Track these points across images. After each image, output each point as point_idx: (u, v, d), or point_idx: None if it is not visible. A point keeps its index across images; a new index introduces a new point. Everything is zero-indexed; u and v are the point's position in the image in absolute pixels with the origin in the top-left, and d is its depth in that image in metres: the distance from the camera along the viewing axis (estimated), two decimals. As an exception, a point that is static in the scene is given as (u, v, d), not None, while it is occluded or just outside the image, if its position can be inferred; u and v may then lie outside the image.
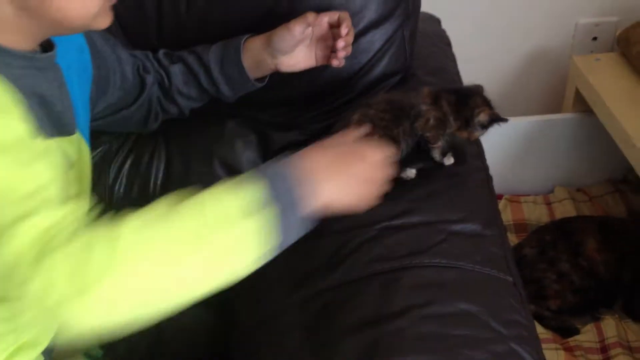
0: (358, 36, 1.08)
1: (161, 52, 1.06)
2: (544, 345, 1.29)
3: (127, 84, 0.99)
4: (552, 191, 1.70)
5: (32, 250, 0.55)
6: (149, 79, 1.02)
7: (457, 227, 0.90)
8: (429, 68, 1.21)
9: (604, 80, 1.49)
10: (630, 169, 1.35)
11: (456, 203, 0.95)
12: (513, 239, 1.57)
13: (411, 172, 0.99)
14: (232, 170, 1.16)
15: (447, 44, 1.37)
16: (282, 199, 0.64)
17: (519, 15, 1.69)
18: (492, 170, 1.04)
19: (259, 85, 1.04)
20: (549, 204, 1.67)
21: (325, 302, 0.83)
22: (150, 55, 1.05)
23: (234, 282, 0.64)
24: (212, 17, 1.06)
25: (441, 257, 0.86)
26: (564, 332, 1.36)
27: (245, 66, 1.00)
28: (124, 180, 1.14)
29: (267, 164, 0.70)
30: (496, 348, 0.75)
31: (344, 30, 0.96)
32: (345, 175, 0.71)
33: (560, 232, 1.45)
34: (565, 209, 1.62)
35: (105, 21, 0.72)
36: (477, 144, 1.07)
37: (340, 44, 0.96)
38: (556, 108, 1.77)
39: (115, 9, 1.05)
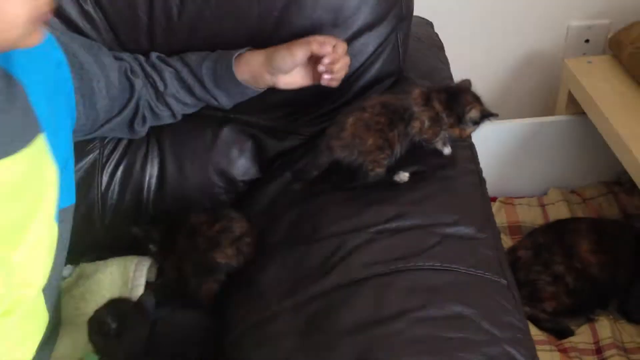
0: (352, 39, 1.08)
1: (154, 55, 1.05)
2: (539, 347, 1.30)
3: (113, 90, 0.99)
4: (546, 193, 1.70)
5: None
6: (138, 82, 1.02)
7: (451, 230, 0.90)
8: (422, 71, 1.21)
9: (597, 82, 1.50)
10: (623, 170, 1.35)
11: (450, 206, 0.95)
12: (508, 241, 1.58)
13: (404, 176, 0.99)
14: (227, 177, 1.16)
15: (440, 47, 1.37)
16: None
17: (511, 19, 1.70)
18: (486, 173, 1.04)
19: (259, 91, 1.04)
20: (543, 206, 1.67)
21: (319, 307, 0.83)
22: (142, 58, 1.05)
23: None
24: (203, 23, 1.06)
25: (435, 260, 0.86)
26: (559, 333, 1.37)
27: (241, 80, 1.01)
28: (116, 187, 1.14)
29: None
30: (490, 350, 0.75)
31: (333, 49, 0.97)
32: None
33: (554, 234, 1.45)
34: (559, 211, 1.62)
35: (33, 40, 0.71)
36: (470, 147, 1.07)
37: (325, 60, 0.97)
38: (549, 110, 1.77)
39: (106, 11, 1.05)
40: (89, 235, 1.15)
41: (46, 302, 0.88)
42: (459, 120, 0.99)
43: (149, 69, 1.04)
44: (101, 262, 1.10)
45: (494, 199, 1.68)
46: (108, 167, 1.14)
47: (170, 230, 1.08)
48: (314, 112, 1.16)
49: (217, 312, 0.99)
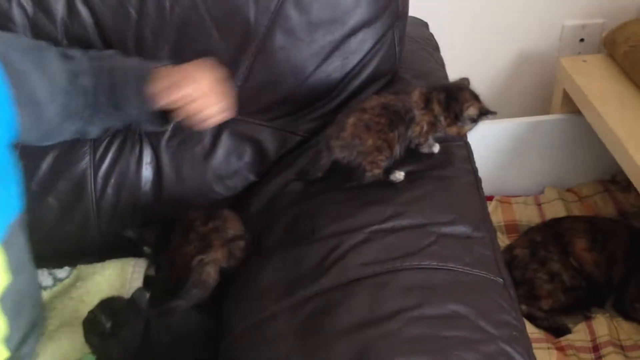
0: (349, 35, 1.09)
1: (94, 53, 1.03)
2: (536, 345, 1.30)
3: (61, 95, 0.96)
4: (542, 192, 1.71)
5: None
6: (90, 81, 0.98)
7: (447, 229, 0.91)
8: (417, 72, 1.22)
9: (591, 81, 1.50)
10: (619, 169, 1.36)
11: (446, 205, 0.95)
12: (504, 240, 1.58)
13: (400, 175, 1.00)
14: (226, 183, 1.17)
15: (435, 47, 1.38)
16: None
17: (506, 19, 1.70)
18: (483, 172, 1.04)
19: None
20: (539, 204, 1.68)
21: (315, 307, 0.84)
22: (89, 54, 1.02)
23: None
24: (196, 18, 1.06)
25: (431, 259, 0.86)
26: (556, 331, 1.37)
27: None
28: (111, 192, 1.14)
29: None
30: (487, 349, 0.76)
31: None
32: None
33: (550, 232, 1.46)
34: (555, 210, 1.63)
35: None
36: (466, 147, 1.08)
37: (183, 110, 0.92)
38: (544, 109, 1.78)
39: (94, 7, 1.05)
40: (86, 240, 1.15)
41: (4, 311, 0.87)
42: (457, 118, 1.00)
43: (95, 66, 1.00)
44: (99, 265, 1.11)
45: (490, 198, 1.68)
46: (101, 172, 1.14)
47: (165, 230, 1.08)
48: (312, 111, 1.16)
49: (216, 311, 0.99)
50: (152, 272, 1.11)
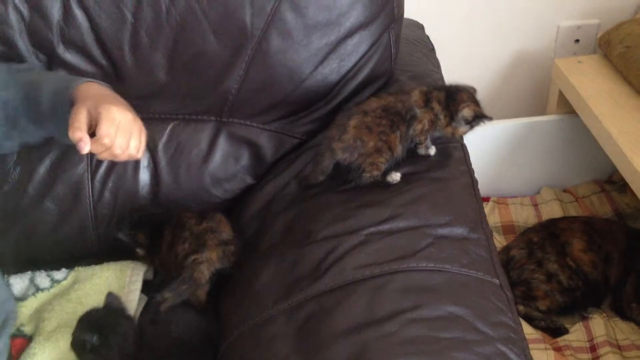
0: (345, 37, 1.09)
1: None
2: (533, 346, 1.30)
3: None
4: (538, 192, 1.71)
5: None
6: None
7: (444, 231, 0.91)
8: (413, 73, 1.22)
9: (587, 82, 1.50)
10: (615, 169, 1.36)
11: (442, 207, 0.95)
12: (501, 241, 1.58)
13: (396, 176, 1.00)
14: (224, 187, 1.17)
15: (431, 49, 1.38)
16: None
17: (501, 20, 1.70)
18: (479, 173, 1.05)
19: None
20: (536, 205, 1.68)
21: (313, 309, 0.84)
22: (11, 67, 1.02)
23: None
24: (192, 20, 1.06)
25: (428, 261, 0.86)
26: (554, 332, 1.37)
27: None
28: (109, 196, 1.14)
29: None
30: (484, 350, 0.76)
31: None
32: None
33: (547, 233, 1.46)
34: (552, 210, 1.63)
35: None
36: (462, 148, 1.08)
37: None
38: (540, 110, 1.78)
39: (90, 10, 1.04)
40: (83, 243, 1.15)
41: None
42: (452, 118, 1.01)
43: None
44: (97, 267, 1.11)
45: (487, 199, 1.68)
46: (98, 176, 1.14)
47: (155, 231, 1.08)
48: (308, 113, 1.16)
49: (215, 313, 0.99)
50: (150, 275, 1.12)
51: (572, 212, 1.63)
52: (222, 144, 1.16)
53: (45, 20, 1.06)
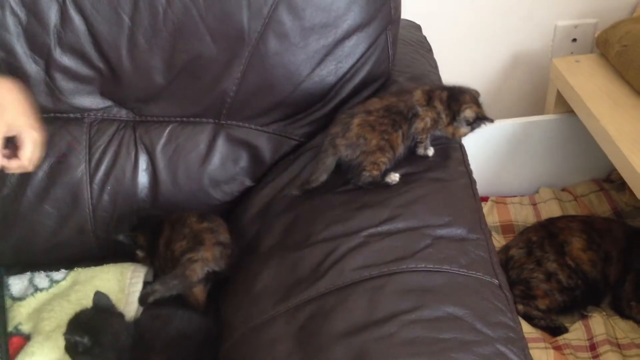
0: (343, 39, 1.09)
1: None
2: (533, 345, 1.30)
3: None
4: (537, 192, 1.71)
5: None
6: None
7: (443, 231, 0.91)
8: (411, 74, 1.22)
9: (585, 81, 1.51)
10: (613, 168, 1.36)
11: (441, 208, 0.95)
12: (500, 240, 1.58)
13: (395, 177, 1.00)
14: (222, 189, 1.17)
15: (428, 50, 1.38)
16: None
17: (498, 20, 1.71)
18: (478, 173, 1.05)
19: None
20: (534, 204, 1.68)
21: (312, 311, 0.84)
22: None
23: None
24: (189, 23, 1.06)
25: (427, 261, 0.86)
26: (553, 331, 1.37)
27: None
28: (108, 199, 1.15)
29: None
30: (483, 350, 0.76)
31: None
32: None
33: (546, 232, 1.46)
34: (551, 209, 1.63)
35: None
36: (461, 149, 1.08)
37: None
38: (538, 110, 1.78)
39: (87, 14, 1.04)
40: (83, 246, 1.16)
41: None
42: (454, 118, 1.01)
43: None
44: (98, 268, 1.11)
45: (486, 199, 1.69)
46: (96, 179, 1.14)
47: (154, 232, 1.09)
48: (306, 115, 1.16)
49: (216, 313, 0.99)
50: (150, 277, 1.12)
51: (571, 211, 1.63)
52: (221, 146, 1.16)
53: (42, 24, 1.06)
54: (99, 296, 0.99)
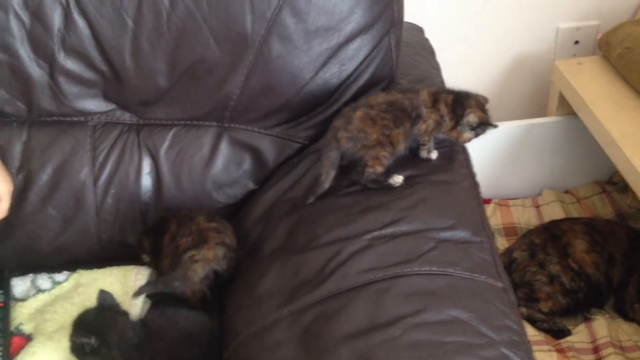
0: (346, 42, 1.09)
1: None
2: (537, 348, 1.30)
3: None
4: (539, 194, 1.71)
5: None
6: None
7: (446, 234, 0.91)
8: (413, 77, 1.22)
9: (587, 83, 1.51)
10: (615, 170, 1.36)
11: (445, 211, 0.95)
12: (503, 243, 1.58)
13: (399, 179, 1.00)
14: (226, 192, 1.17)
15: (431, 52, 1.38)
16: None
17: (501, 22, 1.71)
18: (481, 175, 1.05)
19: None
20: (537, 206, 1.68)
21: (316, 314, 0.84)
22: None
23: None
24: (193, 26, 1.06)
25: (431, 264, 0.86)
26: (557, 333, 1.37)
27: None
28: (111, 202, 1.15)
29: None
30: (487, 354, 0.76)
31: None
32: None
33: (549, 234, 1.46)
34: (553, 211, 1.63)
35: None
36: (464, 151, 1.08)
37: None
38: (541, 112, 1.78)
39: (91, 17, 1.04)
40: (86, 249, 1.16)
41: None
42: (458, 122, 1.01)
43: None
44: (100, 271, 1.12)
45: (488, 201, 1.69)
46: (100, 182, 1.14)
47: (157, 236, 1.09)
48: (310, 117, 1.16)
49: (220, 314, 0.99)
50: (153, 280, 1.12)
51: (574, 214, 1.63)
52: (224, 150, 1.16)
53: (46, 28, 1.06)
54: (104, 295, 0.99)
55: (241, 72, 1.09)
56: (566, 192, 1.71)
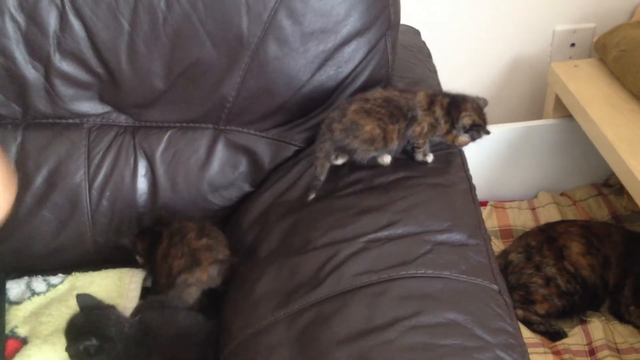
0: (342, 45, 1.09)
1: None
2: (532, 350, 1.30)
3: None
4: (536, 196, 1.72)
5: None
6: None
7: (442, 237, 0.91)
8: (410, 79, 1.22)
9: (583, 86, 1.51)
10: (611, 172, 1.37)
11: (441, 213, 0.95)
12: (499, 245, 1.59)
13: (387, 158, 1.00)
14: (222, 194, 1.17)
15: (427, 55, 1.39)
16: None
17: (497, 24, 1.71)
18: (477, 178, 1.05)
19: None
20: (533, 209, 1.68)
21: (312, 317, 0.84)
22: None
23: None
24: (189, 29, 1.06)
25: (427, 267, 0.86)
26: (552, 336, 1.37)
27: None
28: (106, 205, 1.14)
29: None
30: (483, 356, 0.76)
31: None
32: None
33: (545, 236, 1.46)
34: (549, 214, 1.63)
35: None
36: (460, 154, 1.08)
37: None
38: (537, 114, 1.79)
39: (87, 19, 1.04)
40: (81, 252, 1.15)
41: None
42: (453, 125, 1.01)
43: None
44: (96, 274, 1.11)
45: (485, 203, 1.69)
46: (95, 185, 1.14)
47: (152, 240, 1.09)
48: (306, 120, 1.16)
49: (217, 315, 0.99)
50: (149, 283, 1.12)
51: (570, 216, 1.63)
52: (220, 152, 1.16)
53: (41, 30, 1.06)
54: (82, 298, 0.98)
55: (237, 74, 1.09)
56: (562, 194, 1.71)
